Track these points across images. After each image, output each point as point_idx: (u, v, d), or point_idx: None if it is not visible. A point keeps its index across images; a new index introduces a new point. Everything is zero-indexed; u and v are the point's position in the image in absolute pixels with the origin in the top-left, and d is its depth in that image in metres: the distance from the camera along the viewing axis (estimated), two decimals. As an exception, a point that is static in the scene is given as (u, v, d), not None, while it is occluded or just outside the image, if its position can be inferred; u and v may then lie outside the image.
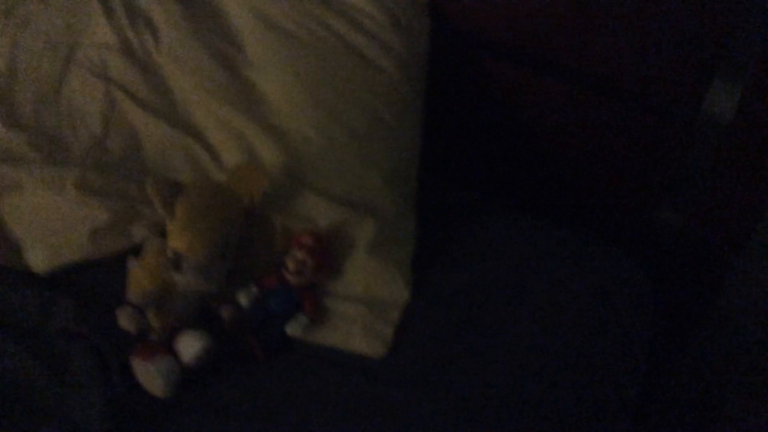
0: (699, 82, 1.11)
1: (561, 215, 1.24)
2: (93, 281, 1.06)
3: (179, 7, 1.21)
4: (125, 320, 0.96)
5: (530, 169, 1.32)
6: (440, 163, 1.20)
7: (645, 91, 1.15)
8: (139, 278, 1.02)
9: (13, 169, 1.08)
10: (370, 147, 1.10)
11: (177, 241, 0.98)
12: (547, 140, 1.28)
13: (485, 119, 1.31)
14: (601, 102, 1.19)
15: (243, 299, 1.02)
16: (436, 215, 1.14)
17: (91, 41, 1.21)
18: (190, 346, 0.95)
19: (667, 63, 1.12)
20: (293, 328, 1.01)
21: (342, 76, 1.13)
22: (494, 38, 1.23)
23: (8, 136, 1.12)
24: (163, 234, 1.05)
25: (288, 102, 1.12)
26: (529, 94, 1.24)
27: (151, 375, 0.93)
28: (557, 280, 1.11)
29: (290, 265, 1.02)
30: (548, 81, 1.21)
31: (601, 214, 1.27)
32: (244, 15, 1.19)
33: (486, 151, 1.33)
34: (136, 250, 1.06)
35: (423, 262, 1.09)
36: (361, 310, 1.02)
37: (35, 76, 1.19)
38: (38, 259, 1.05)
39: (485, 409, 0.96)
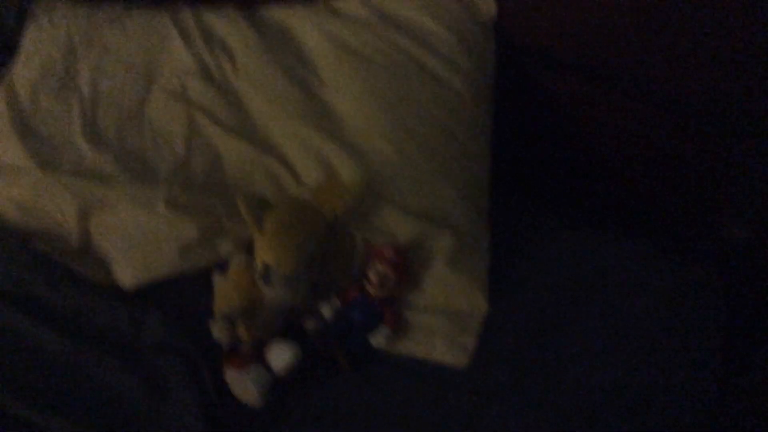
0: (764, 95, 1.14)
1: (628, 229, 1.26)
2: (179, 297, 1.11)
3: (254, 32, 1.27)
4: (218, 332, 1.01)
5: (597, 182, 1.35)
6: (508, 178, 1.24)
7: (710, 106, 1.19)
8: (226, 292, 1.07)
9: (102, 187, 1.14)
10: (444, 162, 1.15)
11: (266, 255, 1.03)
12: (613, 154, 1.31)
13: (551, 134, 1.35)
14: (666, 117, 1.23)
15: (326, 311, 1.07)
16: (506, 228, 1.18)
17: (170, 66, 1.27)
18: (280, 356, 1.00)
19: (733, 78, 1.16)
20: (376, 340, 1.05)
21: (415, 95, 1.18)
22: (558, 55, 1.27)
23: (95, 157, 1.18)
24: (247, 249, 1.11)
25: (364, 121, 1.17)
26: (595, 109, 1.28)
27: (244, 384, 0.98)
28: (629, 292, 1.14)
29: (372, 277, 1.06)
30: (613, 96, 1.25)
31: (669, 228, 1.30)
32: (317, 39, 1.25)
33: (553, 165, 1.37)
34: (220, 265, 1.12)
35: (497, 274, 1.12)
36: (442, 321, 1.06)
37: (118, 100, 1.25)
38: (128, 275, 1.10)
39: (564, 419, 0.99)
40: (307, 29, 1.27)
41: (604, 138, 1.31)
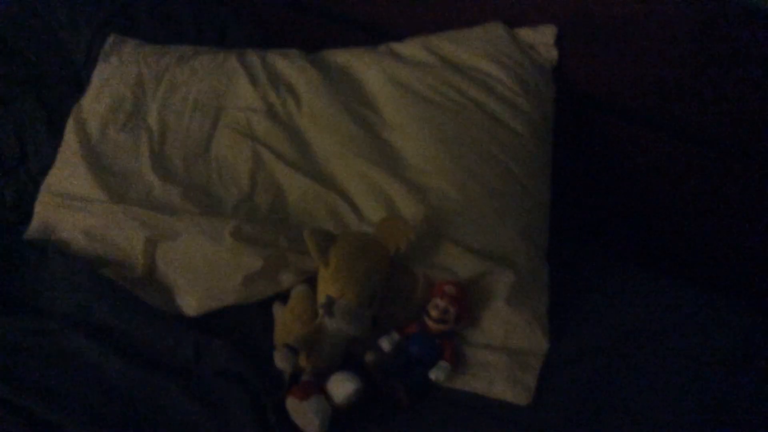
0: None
1: (695, 279, 1.27)
2: (239, 326, 1.14)
3: (318, 73, 1.33)
4: (281, 361, 1.03)
5: (659, 228, 1.37)
6: (567, 220, 1.27)
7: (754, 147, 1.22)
8: (287, 322, 1.10)
9: (169, 218, 1.18)
10: (505, 203, 1.18)
11: (331, 287, 1.06)
12: (674, 201, 1.34)
13: (611, 178, 1.38)
14: (728, 165, 1.26)
15: (386, 344, 1.08)
16: (565, 270, 1.20)
17: (236, 104, 1.33)
18: (342, 387, 1.02)
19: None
20: (437, 375, 1.06)
21: (477, 137, 1.22)
22: (617, 102, 1.31)
23: (164, 189, 1.23)
24: (308, 281, 1.14)
25: (426, 160, 1.21)
26: (651, 154, 1.31)
27: (306, 414, 0.99)
28: (691, 342, 1.13)
29: (433, 312, 1.08)
30: (671, 143, 1.28)
31: (738, 280, 1.31)
32: (380, 81, 1.31)
33: (615, 210, 1.40)
34: (280, 296, 1.15)
35: (558, 314, 1.14)
36: (502, 358, 1.07)
37: (185, 136, 1.31)
38: (192, 303, 1.14)
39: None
40: (369, 71, 1.33)
41: (663, 184, 1.34)
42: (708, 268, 1.34)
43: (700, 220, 1.33)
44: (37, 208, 1.26)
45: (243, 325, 1.14)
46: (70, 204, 1.24)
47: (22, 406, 0.99)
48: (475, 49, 1.31)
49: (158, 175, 1.25)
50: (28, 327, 1.10)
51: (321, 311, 1.06)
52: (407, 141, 1.24)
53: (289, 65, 1.36)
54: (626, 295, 1.19)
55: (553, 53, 1.31)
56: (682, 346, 1.11)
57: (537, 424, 1.02)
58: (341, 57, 1.37)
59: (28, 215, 1.28)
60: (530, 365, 1.07)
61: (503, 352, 1.08)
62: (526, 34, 1.33)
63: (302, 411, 1.00)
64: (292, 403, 1.01)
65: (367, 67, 1.34)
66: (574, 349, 1.10)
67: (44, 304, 1.15)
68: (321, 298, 1.07)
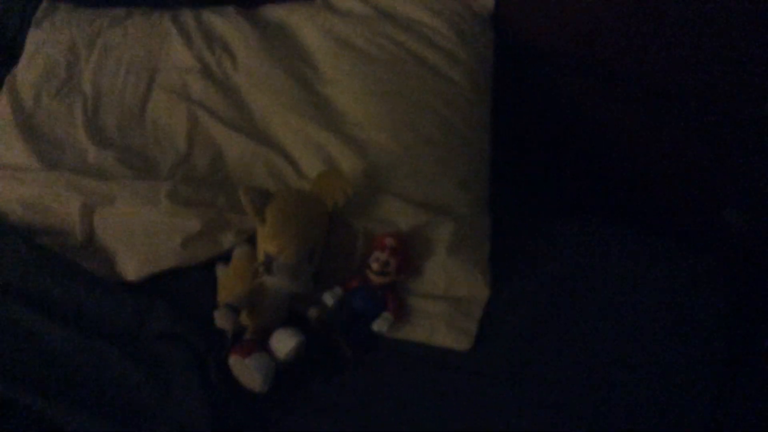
0: (762, 82, 1.18)
1: (629, 220, 1.30)
2: (182, 288, 1.15)
3: (254, 30, 1.32)
4: (222, 320, 1.04)
5: (596, 174, 1.40)
6: (510, 170, 1.28)
7: (709, 95, 1.23)
8: (229, 282, 1.11)
9: (105, 184, 1.18)
10: (443, 153, 1.19)
11: (269, 245, 1.07)
12: (610, 146, 1.36)
13: (550, 127, 1.40)
14: (663, 109, 1.28)
15: (329, 300, 1.10)
16: (508, 219, 1.22)
17: (171, 65, 1.32)
18: (284, 343, 1.03)
19: (731, 70, 1.19)
20: (379, 326, 1.08)
21: (414, 87, 1.23)
22: (556, 50, 1.32)
23: (99, 154, 1.22)
24: (249, 241, 1.15)
25: (364, 114, 1.22)
26: (590, 101, 1.33)
27: (249, 371, 1.01)
28: (630, 282, 1.17)
29: (374, 265, 1.10)
30: (609, 90, 1.30)
31: (670, 216, 1.34)
32: (316, 36, 1.30)
33: (553, 157, 1.42)
34: (223, 258, 1.16)
35: (498, 262, 1.16)
36: (444, 307, 1.10)
37: (120, 99, 1.30)
38: (132, 268, 1.14)
39: (567, 402, 1.02)
40: (305, 26, 1.32)
41: (600, 130, 1.36)
42: (643, 210, 1.37)
43: (635, 163, 1.36)
44: (-27, 180, 1.26)
45: (185, 287, 1.14)
46: (5, 174, 1.23)
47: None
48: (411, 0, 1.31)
49: (93, 140, 1.25)
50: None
51: (260, 269, 1.07)
52: (345, 95, 1.24)
53: (224, 23, 1.35)
54: (565, 241, 1.22)
55: (490, 1, 1.32)
56: (620, 289, 1.15)
57: (478, 368, 1.05)
58: (277, 12, 1.36)
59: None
60: (471, 312, 1.10)
61: (445, 301, 1.11)
62: (462, -18, 1.33)
63: (245, 368, 1.01)
64: (234, 361, 1.02)
65: (303, 21, 1.33)
66: (515, 295, 1.13)
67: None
68: (260, 257, 1.08)
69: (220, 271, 1.14)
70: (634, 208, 1.37)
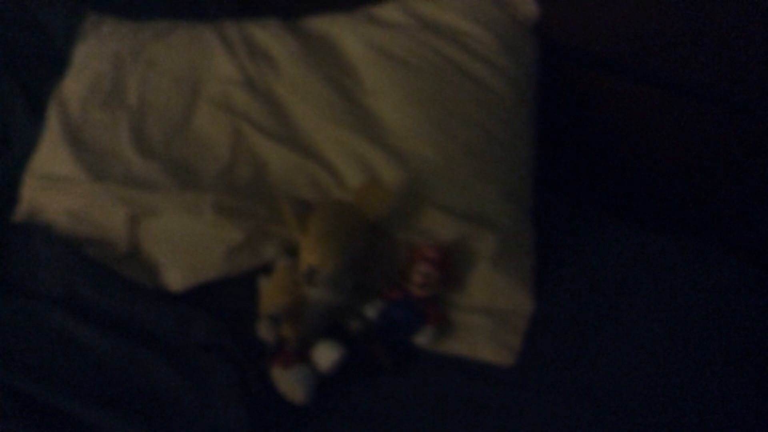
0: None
1: (675, 227, 1.29)
2: (224, 299, 1.17)
3: (296, 41, 1.34)
4: (264, 331, 1.05)
5: (642, 181, 1.38)
6: (554, 179, 1.28)
7: (744, 96, 1.21)
8: (271, 293, 1.13)
9: (151, 195, 1.21)
10: (486, 163, 1.19)
11: (310, 256, 1.08)
12: (659, 152, 1.34)
13: (596, 134, 1.39)
14: (713, 114, 1.26)
15: (370, 312, 1.11)
16: (552, 229, 1.21)
17: (214, 77, 1.34)
18: (326, 354, 1.04)
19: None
20: (422, 339, 1.09)
21: (457, 98, 1.23)
22: (603, 55, 1.31)
23: (144, 166, 1.25)
24: (291, 252, 1.17)
25: (406, 125, 1.23)
26: (632, 104, 1.31)
27: (290, 382, 1.02)
28: (676, 291, 1.15)
29: (416, 277, 1.10)
30: (658, 94, 1.28)
31: (717, 226, 1.32)
32: (358, 46, 1.32)
33: (599, 165, 1.41)
34: (265, 269, 1.17)
35: (542, 274, 1.16)
36: (486, 320, 1.10)
37: (164, 111, 1.32)
38: (175, 278, 1.17)
39: (604, 417, 1.01)
40: (347, 37, 1.34)
41: (648, 136, 1.34)
42: (691, 220, 1.34)
43: (683, 172, 1.34)
44: (23, 191, 1.29)
45: (227, 298, 1.17)
46: (53, 186, 1.27)
47: (12, 386, 1.02)
48: (454, 9, 1.31)
49: (138, 151, 1.27)
50: (15, 308, 1.14)
51: (302, 280, 1.09)
52: (387, 106, 1.25)
53: (266, 35, 1.37)
54: (610, 250, 1.21)
55: (533, 9, 1.32)
56: (666, 299, 1.13)
57: (521, 383, 1.04)
58: (319, 24, 1.38)
59: (14, 199, 1.31)
60: (514, 326, 1.10)
61: (487, 314, 1.10)
62: (504, -9, 1.34)
63: (287, 380, 1.03)
64: (276, 373, 1.04)
65: (345, 32, 1.34)
66: (558, 307, 1.12)
67: (30, 286, 1.18)
68: (302, 268, 1.09)
69: (262, 282, 1.16)
70: (682, 215, 1.35)
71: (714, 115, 1.26)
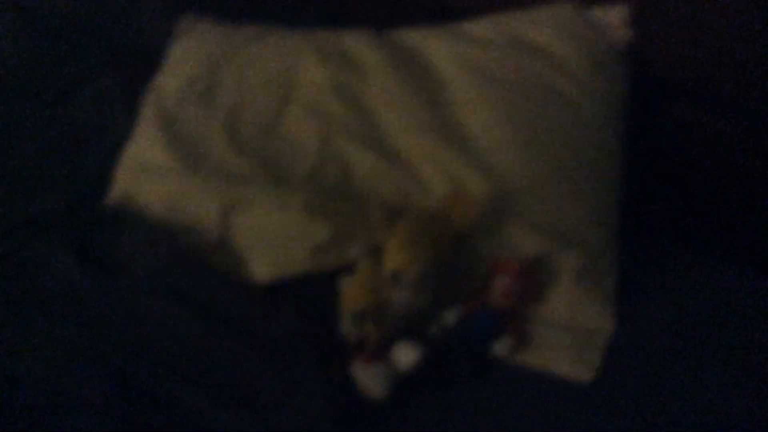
0: None
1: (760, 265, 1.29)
2: (307, 295, 1.20)
3: (387, 52, 1.39)
4: (348, 327, 1.10)
5: (733, 218, 1.39)
6: (644, 207, 1.30)
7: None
8: (354, 292, 1.16)
9: (242, 188, 1.26)
10: (573, 181, 1.22)
11: (396, 259, 1.12)
12: (749, 190, 1.35)
13: (689, 167, 1.40)
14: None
15: (450, 317, 1.14)
16: (638, 254, 1.23)
17: (306, 82, 1.39)
18: (407, 354, 1.08)
19: None
20: (500, 349, 1.11)
21: (546, 115, 1.26)
22: (700, 89, 1.32)
23: (236, 161, 1.30)
24: (374, 254, 1.20)
25: (493, 138, 1.26)
26: (729, 143, 1.32)
27: (371, 378, 1.06)
28: (760, 329, 1.16)
29: (498, 289, 1.13)
30: (752, 133, 1.29)
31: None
32: (449, 60, 1.35)
33: (690, 197, 1.41)
34: (347, 269, 1.21)
35: (625, 296, 1.17)
36: (567, 336, 1.12)
37: (257, 111, 1.38)
38: (261, 270, 1.22)
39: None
40: (438, 50, 1.38)
41: (740, 173, 1.35)
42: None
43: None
44: (117, 177, 1.36)
45: (309, 295, 1.20)
46: (147, 174, 1.33)
47: (110, 366, 1.07)
48: (546, 28, 1.34)
49: (231, 147, 1.33)
50: (109, 289, 1.19)
51: (387, 282, 1.12)
52: (476, 120, 1.28)
53: (358, 45, 1.42)
54: (693, 282, 1.22)
55: (626, 33, 1.34)
56: (749, 340, 1.13)
57: (599, 402, 1.05)
58: (411, 37, 1.42)
59: (108, 185, 1.38)
60: (595, 344, 1.11)
61: (568, 331, 1.12)
62: (597, 14, 1.36)
63: (368, 375, 1.06)
64: (357, 368, 1.08)
65: (436, 45, 1.38)
66: (640, 330, 1.14)
67: (123, 270, 1.23)
68: (387, 270, 1.13)
69: (345, 281, 1.20)
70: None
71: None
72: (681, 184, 1.42)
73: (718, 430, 1.02)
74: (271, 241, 1.22)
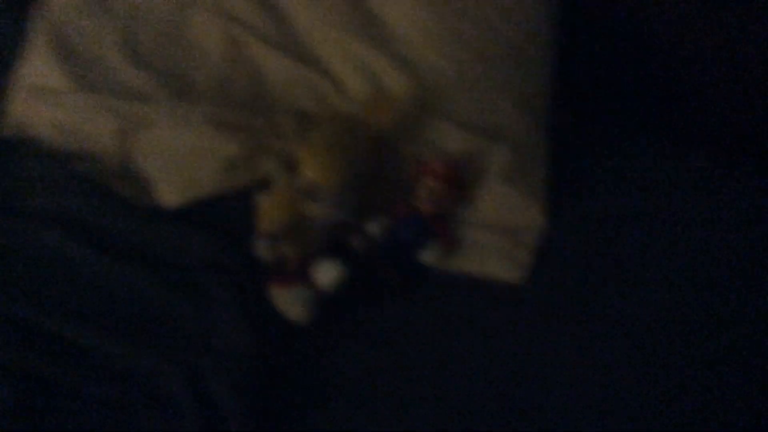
0: None
1: (699, 142, 1.24)
2: (220, 217, 1.13)
3: (297, -59, 1.26)
4: (262, 250, 1.03)
5: (663, 95, 1.33)
6: (573, 93, 1.22)
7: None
8: (270, 211, 1.09)
9: (143, 106, 1.16)
10: (500, 71, 1.14)
11: (311, 171, 1.04)
12: (678, 64, 1.29)
13: (617, 46, 1.32)
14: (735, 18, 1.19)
15: (374, 229, 1.07)
16: (569, 143, 1.16)
17: (207, -20, 1.28)
18: (326, 273, 1.01)
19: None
20: (427, 256, 1.05)
21: (473, 3, 1.16)
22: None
23: (134, 76, 1.20)
24: (290, 168, 1.12)
25: (416, 31, 1.16)
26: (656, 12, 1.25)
27: (290, 301, 1.00)
28: (701, 211, 1.11)
29: (423, 193, 1.06)
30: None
31: (742, 141, 1.26)
32: (364, -54, 1.24)
33: (622, 78, 1.35)
34: (262, 185, 1.13)
35: (560, 191, 1.11)
36: (496, 237, 1.07)
37: (154, 18, 1.26)
38: (170, 194, 1.13)
39: (623, 337, 0.99)
40: (352, -64, 1.26)
41: (669, 48, 1.28)
42: (715, 133, 1.29)
43: (708, 84, 1.28)
44: (8, 104, 1.25)
45: (223, 216, 1.12)
46: (39, 97, 1.21)
47: (4, 306, 1.00)
48: None
49: (128, 60, 1.22)
50: (5, 227, 1.11)
51: (303, 197, 1.04)
52: (395, 11, 1.19)
53: (266, -67, 1.29)
54: (629, 164, 1.17)
55: None
56: (692, 227, 1.09)
57: (532, 302, 1.02)
58: None
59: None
60: (525, 242, 1.07)
61: (498, 231, 1.07)
62: None
63: (286, 299, 1.01)
64: (275, 292, 1.02)
65: (349, -69, 1.26)
66: (572, 224, 1.09)
67: (19, 203, 1.14)
68: (303, 183, 1.05)
69: (260, 199, 1.12)
70: (706, 132, 1.30)
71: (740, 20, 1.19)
72: (612, 62, 1.36)
73: (655, 328, 0.99)
74: (177, 161, 1.13)
